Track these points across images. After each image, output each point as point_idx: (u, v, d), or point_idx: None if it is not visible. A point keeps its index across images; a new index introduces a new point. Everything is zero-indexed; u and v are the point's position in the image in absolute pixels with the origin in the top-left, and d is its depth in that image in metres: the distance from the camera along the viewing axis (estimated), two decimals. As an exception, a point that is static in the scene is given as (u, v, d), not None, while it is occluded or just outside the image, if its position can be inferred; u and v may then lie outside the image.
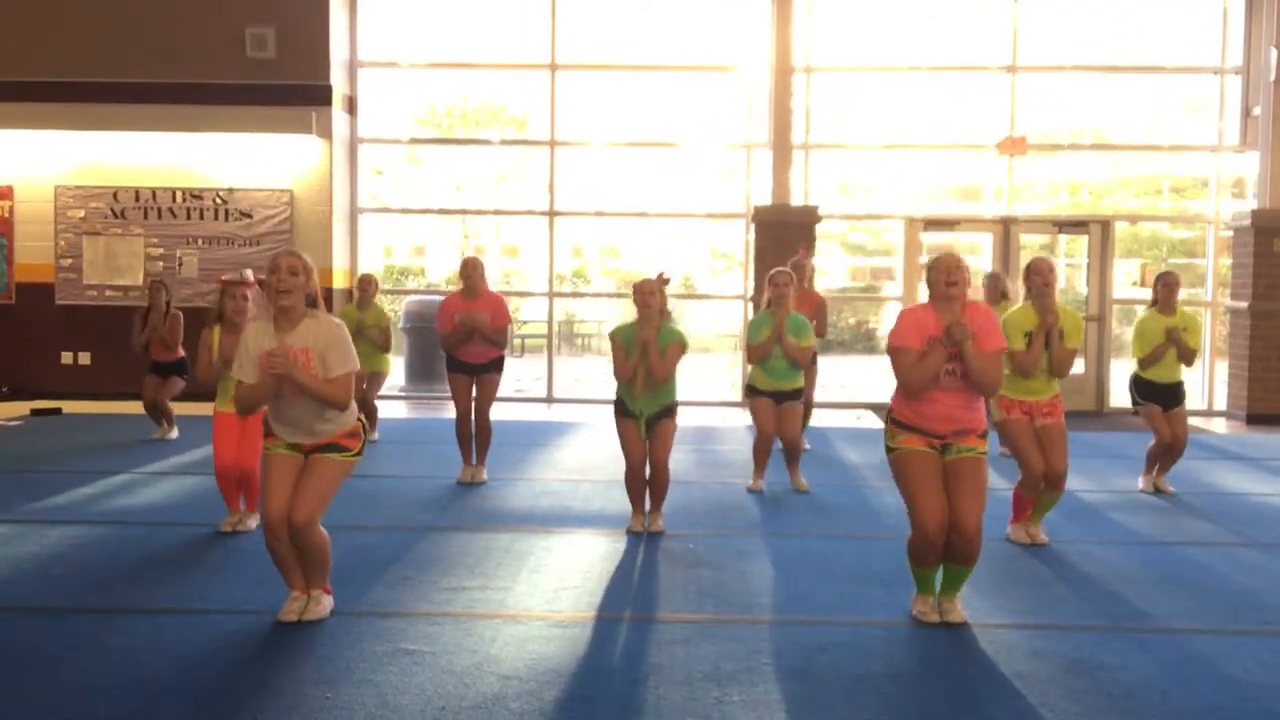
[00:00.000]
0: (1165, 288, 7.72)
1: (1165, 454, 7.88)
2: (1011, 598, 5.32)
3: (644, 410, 6.42)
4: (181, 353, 9.52)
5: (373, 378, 9.58)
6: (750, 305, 12.21)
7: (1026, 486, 6.29)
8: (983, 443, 4.83)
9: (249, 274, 6.47)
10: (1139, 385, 7.84)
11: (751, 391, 7.73)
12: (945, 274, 4.77)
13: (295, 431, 4.68)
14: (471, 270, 7.80)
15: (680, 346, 6.37)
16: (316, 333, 4.64)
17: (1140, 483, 7.99)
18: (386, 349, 9.46)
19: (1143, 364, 7.77)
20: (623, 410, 6.49)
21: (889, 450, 4.89)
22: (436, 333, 8.02)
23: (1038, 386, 6.30)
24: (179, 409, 9.71)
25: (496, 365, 7.96)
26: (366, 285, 9.57)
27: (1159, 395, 7.77)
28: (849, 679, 4.24)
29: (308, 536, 4.66)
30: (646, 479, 6.55)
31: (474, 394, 7.93)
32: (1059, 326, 6.22)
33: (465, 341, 7.78)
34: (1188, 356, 7.68)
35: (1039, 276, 6.29)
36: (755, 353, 7.56)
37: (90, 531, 6.36)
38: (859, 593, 5.36)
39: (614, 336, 6.49)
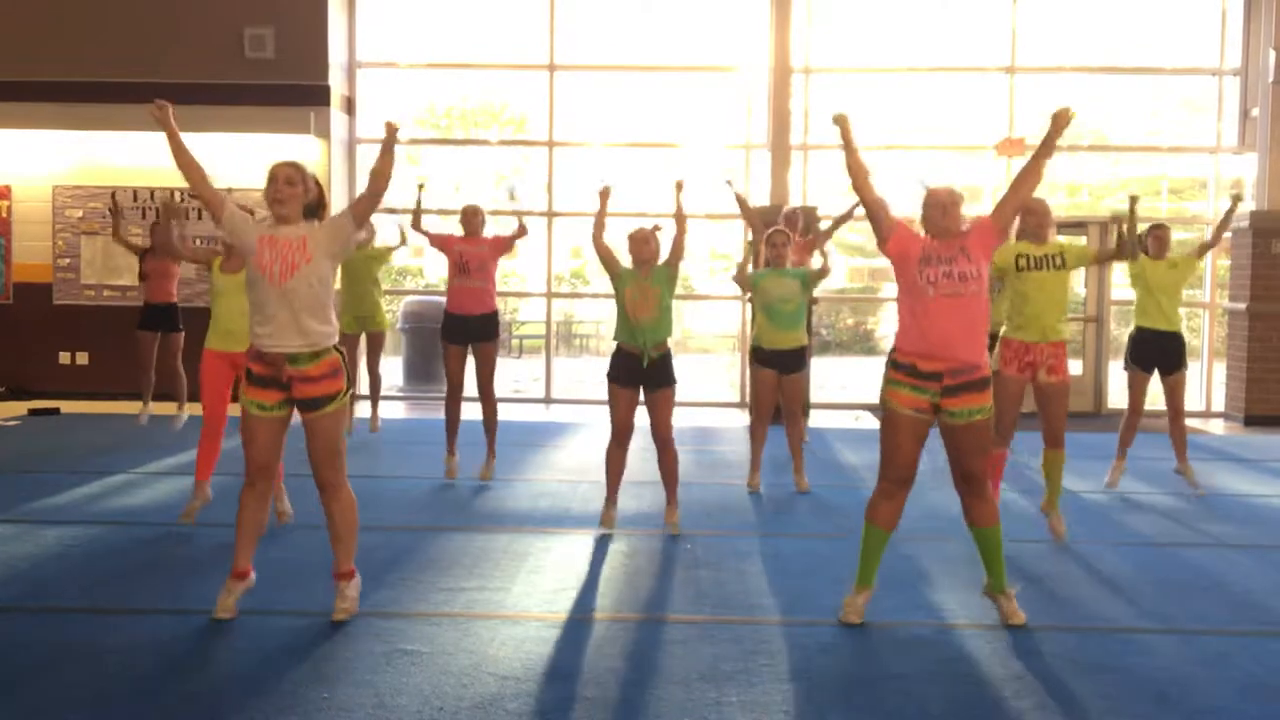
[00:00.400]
0: (1156, 240, 7.72)
1: (1175, 434, 7.79)
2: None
3: (646, 340, 6.35)
4: (175, 298, 9.49)
5: (372, 342, 9.63)
6: (749, 306, 12.20)
7: (995, 440, 6.27)
8: (985, 396, 4.75)
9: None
10: (1134, 339, 7.78)
11: (755, 357, 7.74)
12: (940, 214, 4.79)
13: (280, 335, 4.62)
14: (471, 217, 7.93)
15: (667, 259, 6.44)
16: (313, 229, 4.70)
17: (1109, 472, 7.89)
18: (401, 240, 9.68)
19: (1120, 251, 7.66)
20: (619, 371, 6.40)
21: (882, 400, 4.85)
22: (433, 241, 8.08)
23: (1047, 322, 6.29)
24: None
25: (491, 328, 7.88)
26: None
27: (1152, 349, 7.67)
28: (848, 680, 4.23)
29: (338, 495, 4.75)
30: (626, 458, 6.54)
31: (476, 376, 7.88)
32: (1060, 251, 6.39)
33: (461, 273, 7.77)
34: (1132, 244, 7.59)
35: (1033, 217, 6.36)
36: (743, 281, 7.72)
37: (87, 532, 6.35)
38: (857, 593, 5.35)
39: (617, 264, 6.49)
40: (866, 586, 4.92)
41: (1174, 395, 7.75)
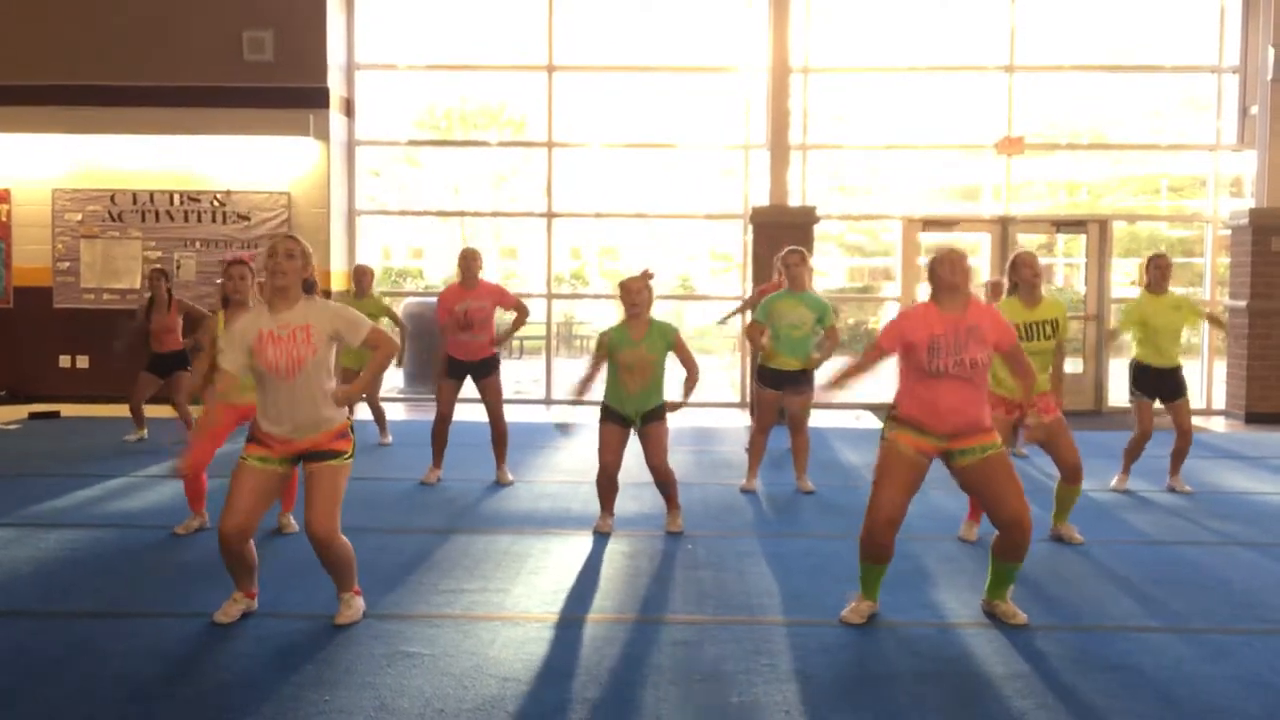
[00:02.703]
0: (1157, 270, 7.72)
1: (1177, 450, 7.88)
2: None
3: (635, 410, 6.35)
4: (182, 342, 9.52)
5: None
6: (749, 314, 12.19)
7: None
8: (992, 435, 4.77)
9: (246, 254, 6.55)
10: (1134, 370, 7.81)
11: (760, 377, 7.73)
12: (950, 269, 4.75)
13: (291, 426, 4.61)
14: (470, 261, 7.87)
15: (680, 339, 6.33)
16: (318, 314, 4.64)
17: (1113, 480, 7.97)
18: (403, 332, 9.48)
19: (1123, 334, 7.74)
20: (609, 415, 6.41)
21: (882, 438, 4.86)
22: (437, 322, 8.05)
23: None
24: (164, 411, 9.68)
25: (492, 365, 7.94)
26: (362, 276, 9.62)
27: (1153, 382, 7.72)
28: (848, 680, 4.23)
29: (331, 548, 4.68)
30: (618, 484, 6.54)
31: (483, 402, 7.94)
32: (1054, 318, 6.29)
33: (464, 329, 7.79)
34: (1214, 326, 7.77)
35: (1028, 269, 6.31)
36: (753, 331, 7.70)
37: (88, 535, 6.34)
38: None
39: (601, 339, 6.40)
40: (870, 600, 4.94)
41: (1179, 417, 7.77)
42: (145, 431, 9.70)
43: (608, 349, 6.32)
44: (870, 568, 4.90)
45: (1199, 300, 7.92)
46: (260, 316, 4.65)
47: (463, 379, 7.96)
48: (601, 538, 6.39)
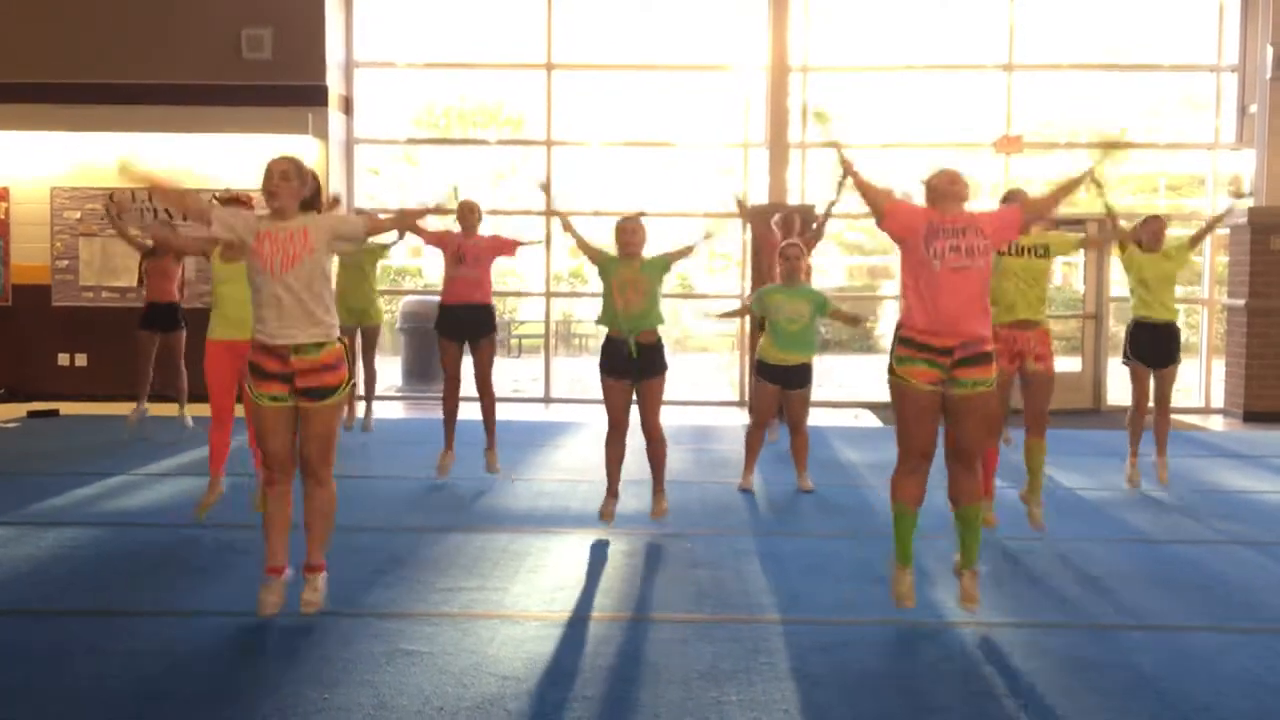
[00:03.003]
0: (1151, 235, 7.76)
1: (1159, 427, 7.85)
2: (1008, 596, 5.33)
3: (631, 329, 6.33)
4: (176, 297, 9.52)
5: (367, 337, 9.69)
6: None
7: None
8: (991, 369, 4.77)
9: (244, 195, 6.66)
10: (1131, 331, 7.83)
11: (759, 371, 7.74)
12: (947, 179, 4.81)
13: (285, 327, 4.64)
14: (469, 213, 7.84)
15: (671, 253, 6.46)
16: (315, 220, 4.74)
17: (1126, 469, 7.93)
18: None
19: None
20: (609, 364, 6.40)
21: (890, 373, 4.83)
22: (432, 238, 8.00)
23: (1020, 307, 6.29)
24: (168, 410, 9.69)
25: (486, 321, 7.84)
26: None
27: (1149, 345, 7.72)
28: (847, 679, 4.24)
29: (324, 484, 4.78)
30: (625, 449, 6.54)
31: (474, 371, 7.86)
32: (1044, 244, 6.45)
33: (459, 263, 7.71)
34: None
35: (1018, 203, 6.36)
36: (741, 312, 7.80)
37: (88, 533, 6.35)
38: (858, 593, 5.35)
39: (601, 250, 6.52)
40: (907, 565, 4.88)
41: (1163, 388, 7.79)
42: (146, 407, 9.61)
43: (599, 265, 6.44)
44: (903, 516, 4.86)
45: (1186, 244, 7.96)
46: (262, 220, 4.74)
47: (462, 341, 7.83)
48: (600, 538, 6.38)
